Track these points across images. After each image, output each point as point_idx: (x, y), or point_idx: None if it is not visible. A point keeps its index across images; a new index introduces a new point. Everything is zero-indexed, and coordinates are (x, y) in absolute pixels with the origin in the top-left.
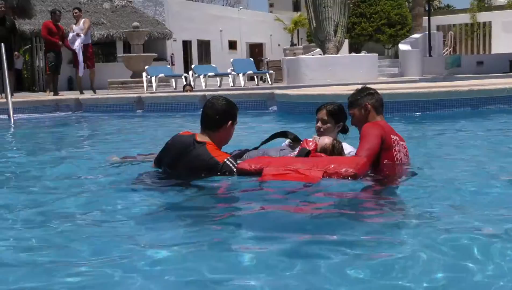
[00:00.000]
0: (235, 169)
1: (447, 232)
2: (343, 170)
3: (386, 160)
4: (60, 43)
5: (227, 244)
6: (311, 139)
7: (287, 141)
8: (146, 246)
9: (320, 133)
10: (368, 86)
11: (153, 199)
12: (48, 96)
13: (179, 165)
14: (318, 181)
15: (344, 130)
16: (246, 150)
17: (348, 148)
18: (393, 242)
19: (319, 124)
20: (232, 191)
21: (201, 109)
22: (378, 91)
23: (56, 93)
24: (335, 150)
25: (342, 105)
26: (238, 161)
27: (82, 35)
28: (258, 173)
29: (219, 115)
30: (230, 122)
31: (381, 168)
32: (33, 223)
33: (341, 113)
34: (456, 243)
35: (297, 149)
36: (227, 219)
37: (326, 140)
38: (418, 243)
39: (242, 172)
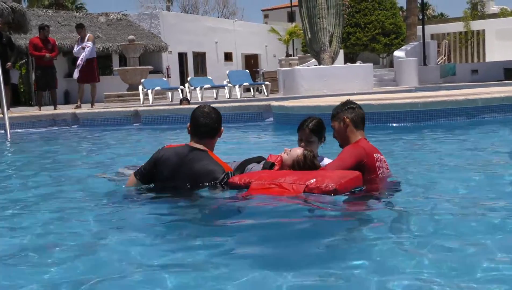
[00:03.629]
0: (226, 186)
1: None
2: (324, 185)
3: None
4: (47, 55)
5: (217, 261)
6: (276, 155)
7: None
8: (135, 263)
9: None
10: (352, 100)
11: (147, 214)
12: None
13: (180, 175)
14: (299, 195)
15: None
16: (247, 161)
17: (326, 162)
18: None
19: (303, 144)
20: (224, 206)
21: (195, 121)
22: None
23: (39, 108)
24: (307, 160)
25: (321, 119)
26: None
27: (89, 45)
28: (247, 186)
29: (217, 123)
30: (223, 127)
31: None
32: (26, 235)
33: (322, 128)
34: (442, 252)
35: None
36: (216, 235)
37: (298, 151)
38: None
39: (233, 186)
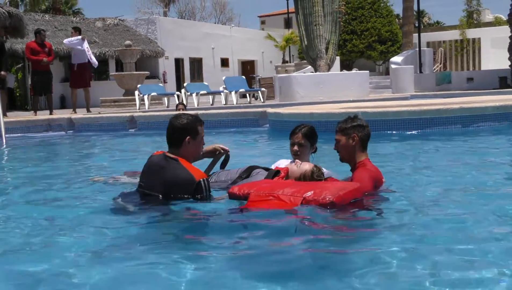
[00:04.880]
0: (205, 193)
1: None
2: (321, 197)
3: None
4: (45, 59)
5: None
6: (282, 167)
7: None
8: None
9: (297, 156)
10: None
11: (125, 223)
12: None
13: (155, 183)
14: (296, 207)
15: (315, 151)
16: (254, 166)
17: (324, 172)
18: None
19: (295, 147)
20: (204, 217)
21: None
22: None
23: (35, 113)
24: (314, 176)
25: (313, 127)
26: (241, 182)
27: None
28: (246, 197)
29: (175, 133)
30: (188, 137)
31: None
32: (14, 239)
33: (315, 135)
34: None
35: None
36: (197, 246)
37: (307, 166)
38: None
39: (232, 197)
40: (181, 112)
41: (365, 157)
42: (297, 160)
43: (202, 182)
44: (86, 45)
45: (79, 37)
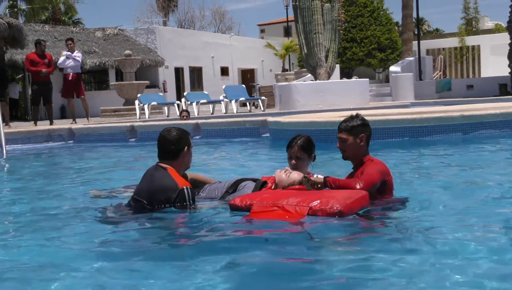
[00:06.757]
0: (188, 202)
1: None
2: (328, 206)
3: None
4: (44, 70)
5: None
6: (269, 176)
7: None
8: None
9: (295, 169)
10: (360, 113)
11: (112, 232)
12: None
13: (143, 189)
14: (303, 218)
15: (313, 159)
16: (241, 179)
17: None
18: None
19: (293, 161)
20: (202, 228)
21: (157, 142)
22: (370, 118)
23: (35, 124)
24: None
25: (310, 136)
26: (236, 194)
27: (78, 56)
28: (248, 209)
29: (173, 145)
30: (186, 147)
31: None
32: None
33: (312, 145)
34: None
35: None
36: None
37: (296, 176)
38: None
39: (234, 208)
40: (171, 127)
41: (369, 154)
42: (287, 168)
43: (185, 190)
44: (66, 57)
45: (63, 56)
